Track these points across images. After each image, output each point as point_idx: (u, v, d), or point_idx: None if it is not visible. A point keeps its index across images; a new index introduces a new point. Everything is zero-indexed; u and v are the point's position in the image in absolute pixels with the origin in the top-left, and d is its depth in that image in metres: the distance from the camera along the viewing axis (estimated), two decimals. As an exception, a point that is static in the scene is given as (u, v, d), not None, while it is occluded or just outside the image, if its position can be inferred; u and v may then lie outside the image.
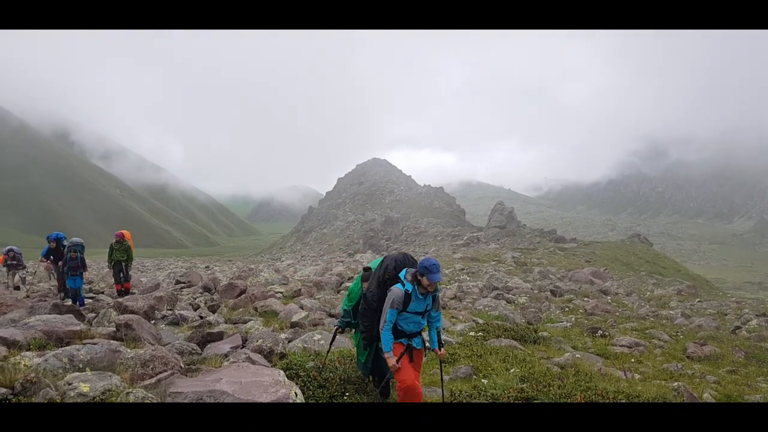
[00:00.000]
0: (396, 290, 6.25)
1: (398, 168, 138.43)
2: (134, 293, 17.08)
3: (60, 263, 16.10)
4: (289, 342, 10.14)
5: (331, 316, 14.59)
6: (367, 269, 7.02)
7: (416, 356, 6.58)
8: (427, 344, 6.95)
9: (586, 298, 23.82)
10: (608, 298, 25.45)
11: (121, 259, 17.17)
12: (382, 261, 6.77)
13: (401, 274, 6.36)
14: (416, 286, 6.25)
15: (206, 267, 52.02)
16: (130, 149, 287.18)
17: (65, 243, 16.76)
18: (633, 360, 11.72)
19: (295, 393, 5.05)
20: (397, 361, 6.25)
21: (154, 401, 5.79)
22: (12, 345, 7.91)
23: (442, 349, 6.63)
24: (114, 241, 17.33)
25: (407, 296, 6.21)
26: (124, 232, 17.75)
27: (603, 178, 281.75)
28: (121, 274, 17.23)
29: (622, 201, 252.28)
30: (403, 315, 6.29)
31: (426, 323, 6.60)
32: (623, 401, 7.06)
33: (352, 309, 7.14)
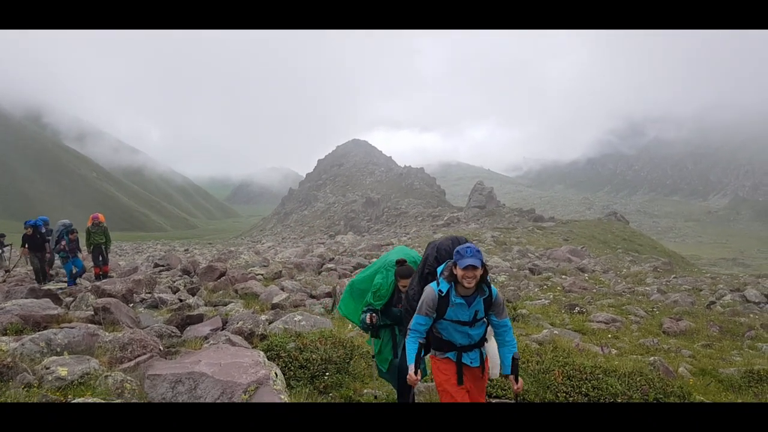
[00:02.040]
0: (428, 291, 4.81)
1: (378, 149, 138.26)
2: (112, 277, 16.91)
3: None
4: (269, 323, 10.14)
5: (312, 297, 14.61)
6: (401, 262, 5.83)
7: (470, 377, 4.96)
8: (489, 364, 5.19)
9: (563, 276, 24.11)
10: (585, 275, 25.78)
11: (100, 242, 16.99)
12: (426, 248, 5.48)
13: (440, 269, 4.91)
14: (454, 285, 4.70)
15: (185, 250, 51.75)
16: (105, 131, 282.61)
17: (43, 228, 16.48)
18: (610, 335, 11.91)
19: (276, 374, 5.06)
20: (459, 382, 4.87)
21: (134, 384, 5.77)
22: (-12, 330, 7.82)
23: (519, 380, 4.83)
24: (90, 224, 17.10)
25: (441, 299, 4.71)
26: (99, 214, 17.54)
27: (582, 157, 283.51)
28: (100, 258, 17.05)
29: (599, 180, 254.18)
30: (442, 323, 4.83)
31: (482, 335, 4.98)
32: (618, 401, 7.16)
33: (382, 310, 5.96)
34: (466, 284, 4.56)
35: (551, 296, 17.78)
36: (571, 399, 6.57)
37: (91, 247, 17.06)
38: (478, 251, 4.61)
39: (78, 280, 16.24)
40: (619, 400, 6.56)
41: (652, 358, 9.00)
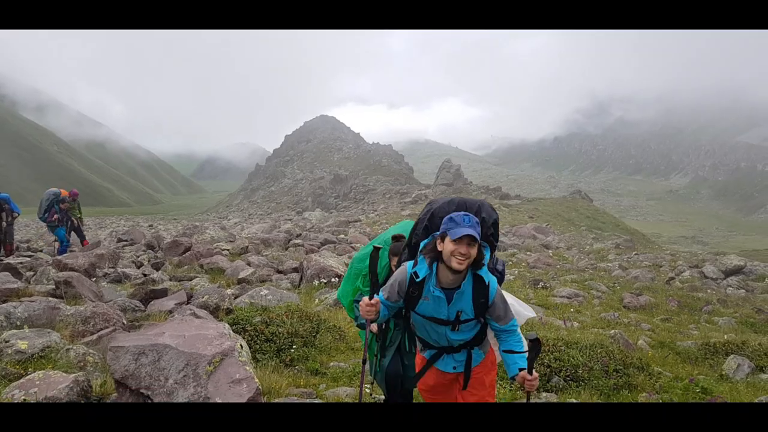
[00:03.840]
0: (401, 270, 3.61)
1: (347, 125, 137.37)
2: (74, 251, 16.59)
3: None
4: (235, 298, 10.08)
5: (279, 272, 14.53)
6: (397, 238, 4.40)
7: (440, 382, 3.84)
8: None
9: (528, 253, 24.44)
10: (550, 252, 26.17)
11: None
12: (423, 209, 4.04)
13: (423, 243, 3.64)
14: (435, 271, 3.46)
15: (150, 225, 50.94)
16: (65, 104, 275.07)
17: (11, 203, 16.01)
18: (572, 310, 12.13)
19: (241, 345, 5.03)
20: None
21: (96, 357, 5.70)
22: (-57, 304, 7.62)
23: (533, 371, 3.60)
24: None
25: (414, 285, 3.49)
26: (75, 190, 17.30)
27: (548, 136, 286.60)
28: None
29: (565, 159, 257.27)
30: (414, 317, 3.65)
31: (467, 339, 3.68)
32: (579, 372, 7.28)
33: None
34: (454, 264, 3.32)
35: (516, 272, 18.01)
36: (533, 370, 6.67)
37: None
38: (478, 223, 3.43)
39: (39, 254, 15.94)
40: (581, 371, 6.71)
41: (612, 331, 9.19)
